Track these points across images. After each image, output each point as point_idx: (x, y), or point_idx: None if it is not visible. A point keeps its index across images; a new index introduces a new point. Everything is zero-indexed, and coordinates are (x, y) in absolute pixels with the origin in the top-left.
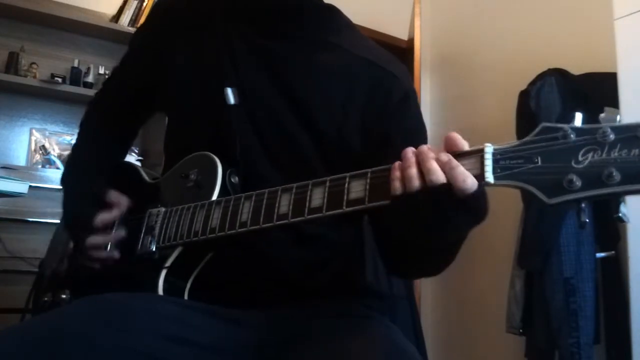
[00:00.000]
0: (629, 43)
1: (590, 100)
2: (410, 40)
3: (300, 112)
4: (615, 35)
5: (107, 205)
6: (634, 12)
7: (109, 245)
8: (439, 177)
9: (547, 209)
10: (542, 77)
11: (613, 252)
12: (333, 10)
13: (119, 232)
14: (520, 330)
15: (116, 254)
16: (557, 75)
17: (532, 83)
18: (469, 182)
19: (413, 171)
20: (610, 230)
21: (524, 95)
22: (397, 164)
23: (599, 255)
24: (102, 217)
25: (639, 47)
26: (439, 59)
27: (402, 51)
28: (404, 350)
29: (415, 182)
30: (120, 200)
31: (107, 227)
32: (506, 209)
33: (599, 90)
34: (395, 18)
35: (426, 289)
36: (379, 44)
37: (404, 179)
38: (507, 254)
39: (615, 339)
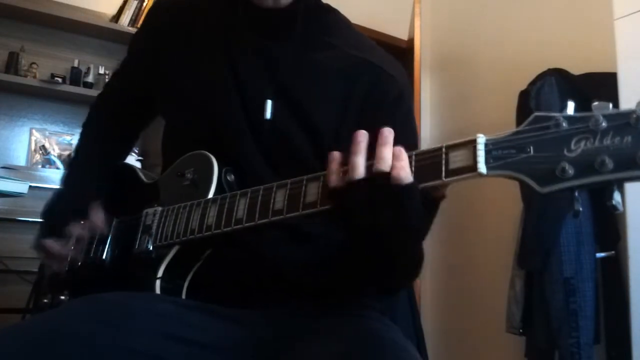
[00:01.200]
0: (629, 43)
1: (590, 100)
2: (410, 40)
3: (299, 113)
4: (615, 35)
5: (84, 219)
6: (634, 12)
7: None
8: (386, 164)
9: (546, 209)
10: (542, 77)
11: (613, 252)
12: (331, 10)
13: (76, 246)
14: (520, 330)
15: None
16: (557, 75)
17: (532, 83)
18: (404, 174)
19: (360, 159)
20: (610, 230)
21: (524, 95)
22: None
23: (599, 255)
24: (68, 229)
25: (639, 47)
26: (439, 59)
27: (402, 51)
28: (404, 349)
29: (360, 171)
30: (94, 220)
31: (70, 238)
32: (506, 209)
33: (599, 90)
34: (395, 18)
35: (426, 289)
36: (379, 44)
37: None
38: (507, 254)
39: (615, 339)
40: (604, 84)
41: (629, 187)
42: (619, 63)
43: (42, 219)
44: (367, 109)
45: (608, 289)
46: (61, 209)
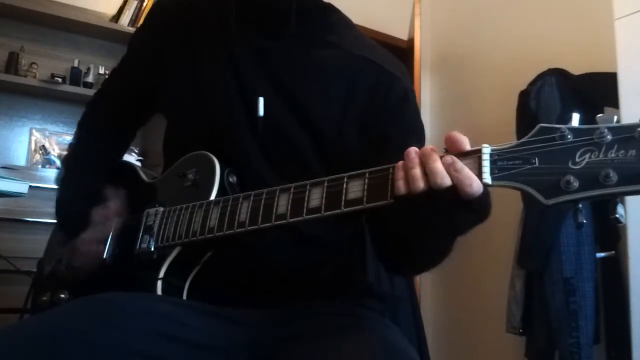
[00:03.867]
0: (629, 43)
1: (591, 100)
2: (410, 40)
3: (299, 111)
4: (615, 35)
5: (102, 202)
6: (634, 12)
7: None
8: (444, 179)
9: (546, 210)
10: (542, 77)
11: (613, 252)
12: (332, 9)
13: (114, 229)
14: (520, 330)
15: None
16: (557, 75)
17: (532, 83)
18: (475, 186)
19: (417, 172)
20: (610, 230)
21: (524, 95)
22: (400, 163)
23: (599, 255)
24: (97, 213)
25: (639, 47)
26: (439, 59)
27: (402, 51)
28: (402, 349)
29: (420, 183)
30: (114, 197)
31: (102, 224)
32: (506, 209)
33: (599, 90)
34: (395, 18)
35: (426, 289)
36: (379, 44)
37: (408, 179)
38: (507, 254)
39: (615, 339)
40: (604, 84)
41: None
42: (619, 63)
43: (61, 225)
44: (372, 110)
45: (608, 289)
46: (74, 205)
